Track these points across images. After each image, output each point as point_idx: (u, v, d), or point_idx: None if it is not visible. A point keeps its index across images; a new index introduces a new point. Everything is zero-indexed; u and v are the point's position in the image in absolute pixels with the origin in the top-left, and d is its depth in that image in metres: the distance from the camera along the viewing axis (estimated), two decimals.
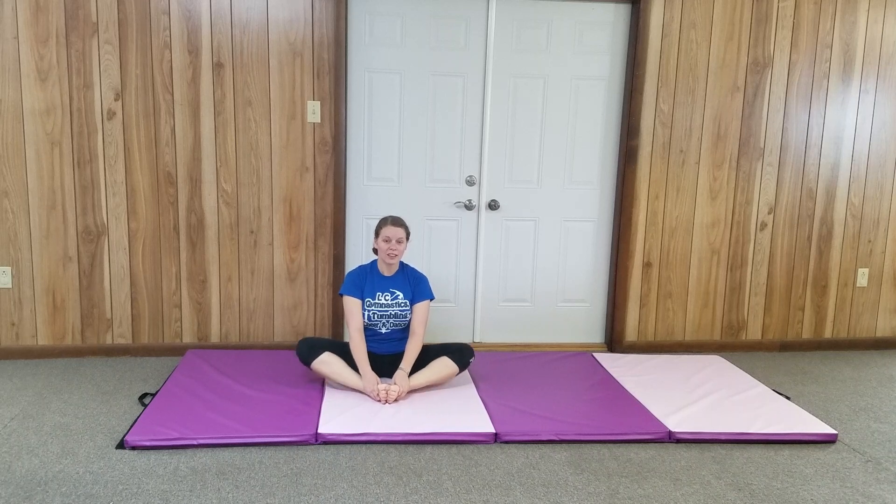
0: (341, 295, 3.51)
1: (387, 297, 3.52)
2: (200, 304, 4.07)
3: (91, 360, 3.96)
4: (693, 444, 3.14)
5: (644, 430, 3.17)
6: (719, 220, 4.35)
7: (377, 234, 3.51)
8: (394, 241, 3.46)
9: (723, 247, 4.39)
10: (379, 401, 3.34)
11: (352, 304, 3.48)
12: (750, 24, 4.19)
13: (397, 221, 3.49)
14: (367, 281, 3.54)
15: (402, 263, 3.63)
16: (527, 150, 4.27)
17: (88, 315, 3.99)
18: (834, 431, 3.24)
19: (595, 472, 2.86)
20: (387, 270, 3.57)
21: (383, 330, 3.55)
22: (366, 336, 3.54)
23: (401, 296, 3.54)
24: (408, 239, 3.53)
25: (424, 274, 3.90)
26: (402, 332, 3.61)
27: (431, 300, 3.61)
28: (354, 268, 3.63)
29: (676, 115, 4.21)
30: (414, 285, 3.58)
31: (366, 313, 3.51)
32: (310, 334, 4.19)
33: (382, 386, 3.35)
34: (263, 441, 2.97)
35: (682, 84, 4.19)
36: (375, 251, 3.57)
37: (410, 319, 3.57)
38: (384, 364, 3.61)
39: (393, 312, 3.53)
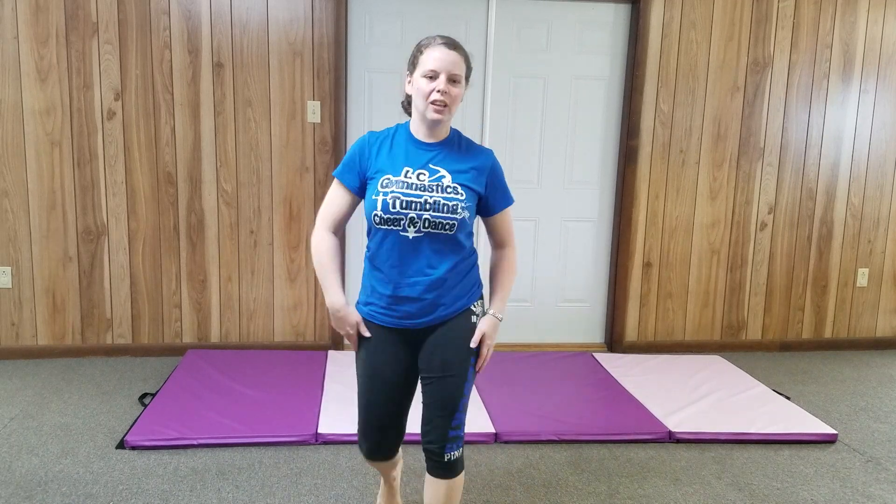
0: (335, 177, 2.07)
1: (422, 177, 1.97)
2: (200, 304, 4.07)
3: (91, 360, 3.96)
4: (693, 444, 3.14)
5: (644, 430, 3.17)
6: (719, 220, 4.35)
7: (413, 64, 1.99)
8: (443, 78, 1.92)
9: (723, 247, 4.39)
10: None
11: (337, 195, 2.06)
12: (750, 25, 4.19)
13: (452, 43, 1.97)
14: (385, 149, 2.02)
15: (455, 131, 2.08)
16: (527, 150, 4.26)
17: (88, 315, 3.99)
18: (834, 431, 3.24)
19: (595, 472, 2.86)
20: (428, 134, 2.02)
21: (410, 233, 1.95)
22: (374, 256, 2.03)
23: (448, 178, 1.97)
24: (468, 82, 2.03)
25: None
26: (445, 249, 1.99)
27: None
28: (364, 134, 2.09)
29: (676, 115, 4.21)
30: (480, 171, 2.03)
31: (379, 199, 1.94)
32: (310, 335, 4.19)
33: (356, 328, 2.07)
34: (263, 441, 2.97)
35: (682, 84, 4.19)
36: (407, 104, 2.09)
37: (464, 227, 1.99)
38: (405, 341, 2.06)
39: (431, 202, 1.93)
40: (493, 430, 3.10)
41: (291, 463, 2.84)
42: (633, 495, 2.69)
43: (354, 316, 2.06)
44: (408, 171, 1.97)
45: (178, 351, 4.06)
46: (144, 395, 3.45)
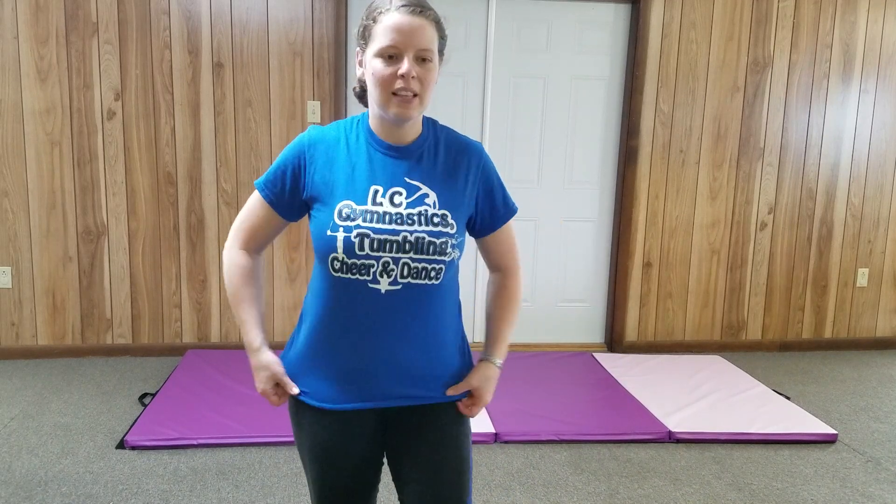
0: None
1: (398, 199, 1.41)
2: (200, 304, 4.07)
3: (91, 360, 3.96)
4: (693, 444, 3.14)
5: (644, 430, 3.17)
6: (719, 220, 4.35)
7: (364, 37, 1.42)
8: (409, 58, 1.36)
9: (723, 247, 4.39)
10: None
11: (257, 210, 1.49)
12: (750, 25, 4.19)
13: (416, 4, 1.37)
14: (338, 156, 1.44)
15: (429, 122, 1.52)
16: (526, 150, 4.26)
17: (88, 315, 3.99)
18: (834, 431, 3.24)
19: (595, 472, 2.86)
20: (395, 133, 1.45)
21: (382, 285, 1.39)
22: (322, 315, 1.44)
23: (434, 199, 1.42)
24: (442, 57, 1.45)
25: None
26: (428, 306, 1.44)
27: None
28: (307, 129, 1.48)
29: (676, 115, 4.21)
30: (471, 178, 1.48)
31: (339, 237, 1.37)
32: None
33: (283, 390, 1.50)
34: (263, 441, 2.97)
35: (682, 84, 4.19)
36: (362, 92, 1.49)
37: (451, 271, 1.46)
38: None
39: (412, 241, 1.39)
40: (493, 431, 3.10)
41: (291, 463, 2.84)
42: (632, 495, 2.69)
43: (274, 366, 1.47)
44: (377, 193, 1.38)
45: (178, 351, 4.06)
46: (144, 395, 3.45)
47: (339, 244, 1.36)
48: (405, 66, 1.35)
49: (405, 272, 1.39)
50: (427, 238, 1.39)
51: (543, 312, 4.45)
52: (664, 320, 4.42)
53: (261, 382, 1.49)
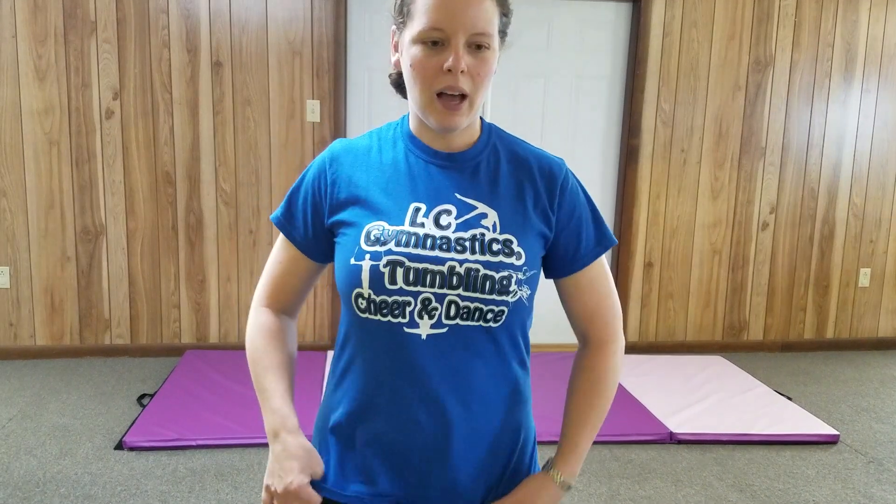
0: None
1: (445, 221, 1.06)
2: (199, 305, 4.06)
3: (89, 361, 3.95)
4: (694, 445, 3.12)
5: (645, 431, 3.16)
6: (721, 219, 4.34)
7: (403, 14, 1.06)
8: (459, 45, 1.02)
9: (724, 247, 4.38)
10: None
11: (281, 255, 1.17)
12: (751, 23, 4.17)
13: None
14: (368, 169, 1.11)
15: (489, 127, 1.16)
16: None
17: (87, 315, 3.98)
18: (836, 432, 3.23)
19: (596, 473, 2.85)
20: (441, 138, 1.10)
21: (423, 329, 1.04)
22: (347, 369, 1.11)
23: (494, 221, 1.07)
24: (504, 39, 1.18)
25: None
26: (485, 360, 1.07)
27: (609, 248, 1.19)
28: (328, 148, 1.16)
29: (678, 115, 4.20)
30: (546, 198, 1.11)
31: (364, 266, 1.04)
32: (308, 336, 4.18)
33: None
34: (262, 442, 2.96)
35: (684, 83, 4.17)
36: (397, 77, 1.14)
37: (519, 316, 1.10)
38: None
39: (462, 272, 1.03)
40: None
41: None
42: (633, 496, 2.68)
43: (315, 455, 1.09)
44: (418, 212, 1.06)
45: (176, 351, 4.04)
46: (143, 396, 3.43)
47: (365, 275, 1.02)
48: (455, 56, 1.00)
49: (453, 313, 1.03)
50: (483, 270, 1.02)
51: (543, 312, 4.41)
52: (665, 321, 4.41)
53: (290, 473, 1.03)
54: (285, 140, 3.97)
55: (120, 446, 2.91)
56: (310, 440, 1.13)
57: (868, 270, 4.55)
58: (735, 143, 4.27)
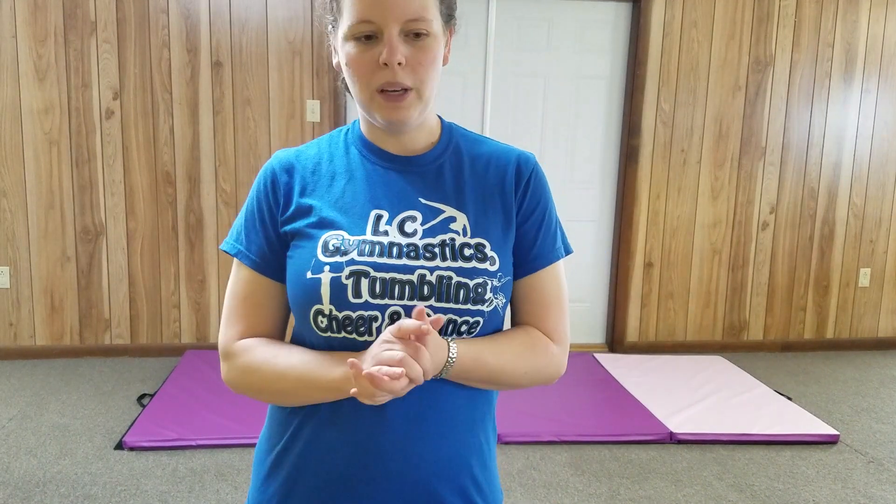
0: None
1: (410, 228, 0.99)
2: (199, 305, 4.06)
3: (89, 361, 3.95)
4: (694, 445, 3.12)
5: (645, 431, 3.16)
6: (721, 219, 4.34)
7: (333, 12, 1.00)
8: (392, 35, 0.93)
9: (724, 247, 4.38)
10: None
11: (243, 282, 1.03)
12: (751, 23, 4.17)
13: None
14: (322, 177, 1.05)
15: (449, 126, 1.09)
16: (527, 150, 4.24)
17: (87, 315, 3.97)
18: (836, 432, 3.23)
19: (596, 473, 2.85)
20: (397, 141, 1.03)
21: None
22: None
23: (464, 224, 1.00)
24: (451, 23, 1.02)
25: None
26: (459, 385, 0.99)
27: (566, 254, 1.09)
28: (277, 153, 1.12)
29: (677, 115, 4.20)
30: (510, 197, 1.05)
31: (324, 279, 0.94)
32: None
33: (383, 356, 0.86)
34: None
35: (684, 83, 4.17)
36: (346, 84, 1.03)
37: (494, 327, 1.02)
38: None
39: (433, 281, 0.95)
40: None
41: None
42: (633, 496, 2.68)
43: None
44: (380, 220, 0.99)
45: (176, 351, 4.04)
46: (143, 396, 3.43)
47: (325, 289, 0.93)
48: (386, 49, 0.93)
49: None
50: (455, 278, 0.95)
51: None
52: (665, 321, 4.41)
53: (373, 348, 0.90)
54: (285, 140, 3.97)
55: (120, 446, 2.91)
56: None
57: (868, 270, 4.55)
58: (735, 143, 4.27)
